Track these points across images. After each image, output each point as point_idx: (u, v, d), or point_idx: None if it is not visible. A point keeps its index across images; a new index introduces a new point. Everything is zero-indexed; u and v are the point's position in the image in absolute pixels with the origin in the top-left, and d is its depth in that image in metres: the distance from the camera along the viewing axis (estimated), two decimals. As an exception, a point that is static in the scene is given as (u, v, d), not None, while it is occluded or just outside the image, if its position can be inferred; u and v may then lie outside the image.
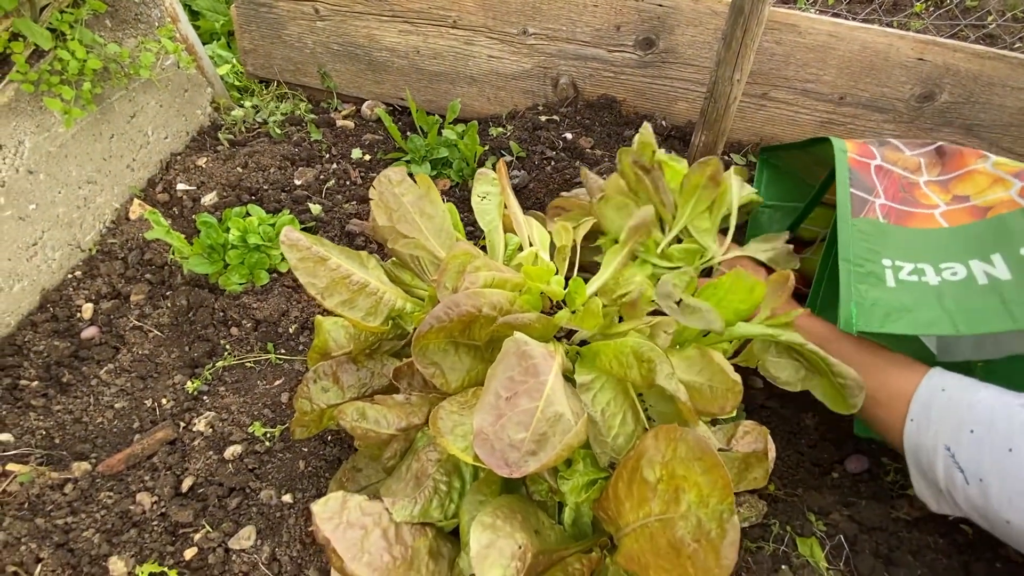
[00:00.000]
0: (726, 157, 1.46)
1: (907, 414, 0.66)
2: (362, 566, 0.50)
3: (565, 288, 0.75)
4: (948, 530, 0.83)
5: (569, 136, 1.47)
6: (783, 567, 0.79)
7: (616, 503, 0.55)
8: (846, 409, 0.69)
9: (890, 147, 0.95)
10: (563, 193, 1.17)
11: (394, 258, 0.87)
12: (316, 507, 0.53)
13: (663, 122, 1.51)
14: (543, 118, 1.51)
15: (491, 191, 0.88)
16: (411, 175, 0.83)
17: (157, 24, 1.33)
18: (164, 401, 0.99)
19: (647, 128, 0.95)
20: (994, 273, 0.72)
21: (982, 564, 0.79)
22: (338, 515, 0.53)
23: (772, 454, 0.65)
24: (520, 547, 0.50)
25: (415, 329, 0.64)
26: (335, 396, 0.74)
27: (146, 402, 0.99)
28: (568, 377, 0.67)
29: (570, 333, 0.83)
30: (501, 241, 0.84)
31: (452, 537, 0.62)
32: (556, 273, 0.77)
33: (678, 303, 0.64)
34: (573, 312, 0.75)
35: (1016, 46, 1.84)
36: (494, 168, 0.94)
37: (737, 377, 0.59)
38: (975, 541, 0.82)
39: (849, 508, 0.87)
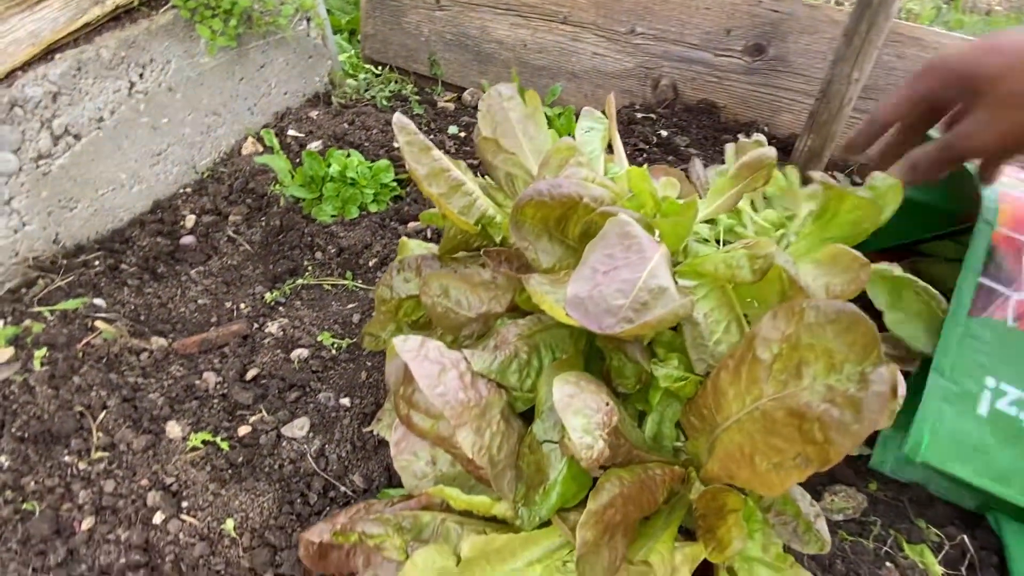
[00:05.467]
0: (830, 174, 1.39)
1: None
2: (436, 395, 0.47)
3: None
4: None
5: (664, 133, 1.46)
6: (888, 564, 0.67)
7: (716, 397, 0.49)
8: None
9: None
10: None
11: (488, 178, 0.87)
12: (396, 340, 0.50)
13: (765, 130, 1.47)
14: (639, 115, 1.51)
15: (596, 126, 0.87)
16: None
17: (298, -10, 1.46)
18: (242, 306, 1.02)
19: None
20: None
21: None
22: (417, 350, 0.50)
23: (902, 391, 0.56)
24: (607, 404, 0.45)
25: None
26: (415, 288, 0.73)
27: (226, 303, 1.02)
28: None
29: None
30: (601, 168, 0.82)
31: (523, 418, 0.57)
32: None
33: None
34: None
35: None
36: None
37: (857, 253, 0.52)
38: None
39: (970, 527, 0.74)
